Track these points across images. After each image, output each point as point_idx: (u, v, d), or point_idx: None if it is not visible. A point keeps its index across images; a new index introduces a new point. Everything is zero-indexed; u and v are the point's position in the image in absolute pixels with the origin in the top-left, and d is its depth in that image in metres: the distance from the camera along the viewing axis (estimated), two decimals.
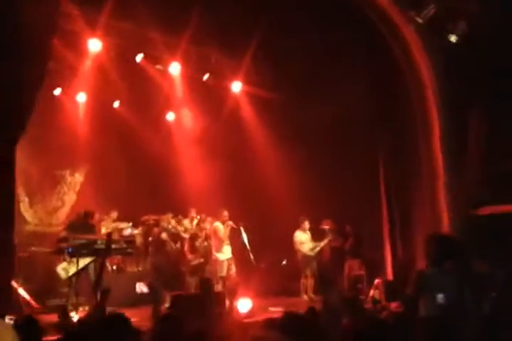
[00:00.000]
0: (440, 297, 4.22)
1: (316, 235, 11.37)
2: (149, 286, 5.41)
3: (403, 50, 9.48)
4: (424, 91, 9.50)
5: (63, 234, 8.43)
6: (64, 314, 5.36)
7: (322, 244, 11.11)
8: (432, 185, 9.46)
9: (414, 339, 4.10)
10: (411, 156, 9.94)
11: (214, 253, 10.42)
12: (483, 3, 8.80)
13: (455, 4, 8.74)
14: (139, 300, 9.84)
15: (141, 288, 9.97)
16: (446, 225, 9.02)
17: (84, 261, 7.96)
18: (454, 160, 9.34)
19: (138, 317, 7.16)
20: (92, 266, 8.10)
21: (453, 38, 8.81)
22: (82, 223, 8.72)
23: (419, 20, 8.78)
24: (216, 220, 10.58)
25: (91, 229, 8.71)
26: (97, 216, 10.70)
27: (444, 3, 8.61)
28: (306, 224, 11.11)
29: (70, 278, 8.07)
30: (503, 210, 8.77)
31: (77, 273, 7.97)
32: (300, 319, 3.82)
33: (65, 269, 8.05)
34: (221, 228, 10.39)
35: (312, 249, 11.05)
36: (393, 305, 5.95)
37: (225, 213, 10.42)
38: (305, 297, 10.78)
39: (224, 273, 10.29)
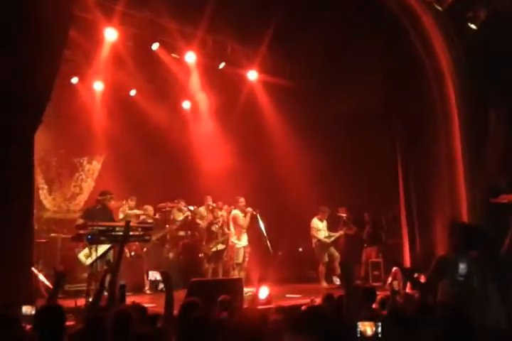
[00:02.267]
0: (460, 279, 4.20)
1: (332, 223, 11.39)
2: (162, 274, 5.45)
3: (422, 38, 9.38)
4: (444, 80, 9.41)
5: (80, 220, 8.51)
6: (89, 300, 5.44)
7: (337, 234, 11.14)
8: (450, 172, 9.41)
9: (433, 327, 4.09)
10: (430, 144, 9.88)
11: (232, 239, 10.50)
12: None
13: None
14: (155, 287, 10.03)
15: (155, 275, 10.07)
16: (464, 213, 8.97)
17: (104, 248, 8.06)
18: (474, 148, 9.26)
19: (156, 303, 7.29)
20: (111, 253, 8.20)
21: (473, 26, 8.70)
22: (98, 209, 8.80)
23: (439, 8, 8.67)
24: (233, 208, 10.63)
25: (108, 214, 8.77)
26: (113, 202, 10.83)
27: None
28: (326, 215, 11.12)
29: (91, 264, 8.16)
30: None
31: (98, 259, 8.06)
32: (320, 313, 3.82)
33: (87, 255, 8.14)
34: (240, 215, 10.44)
35: (328, 237, 11.07)
36: (412, 293, 5.93)
37: (242, 199, 10.47)
38: (324, 284, 10.81)
39: (240, 260, 10.36)
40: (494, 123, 9.03)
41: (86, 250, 8.19)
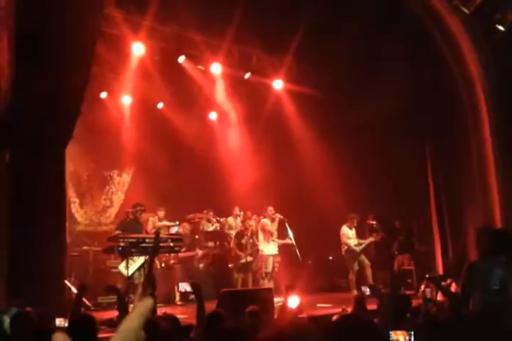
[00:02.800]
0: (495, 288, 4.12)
1: (363, 230, 11.28)
2: (192, 285, 5.44)
3: (449, 42, 9.29)
4: (473, 85, 9.30)
5: (116, 232, 8.62)
6: (122, 309, 5.50)
7: (367, 241, 11.00)
8: (482, 177, 9.26)
9: (467, 336, 4.00)
10: (460, 149, 9.75)
11: (260, 248, 10.48)
12: None
13: None
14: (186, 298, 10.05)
15: (184, 287, 10.08)
16: (498, 220, 8.80)
17: (142, 259, 8.15)
18: (505, 153, 9.10)
19: (188, 314, 7.30)
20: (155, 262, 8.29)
21: (501, 28, 8.59)
22: (129, 221, 8.90)
23: (465, 11, 8.58)
24: (262, 217, 10.64)
25: (139, 227, 8.87)
26: (144, 215, 10.93)
27: None
28: (355, 222, 11.02)
29: (131, 275, 8.23)
30: None
31: (138, 270, 8.16)
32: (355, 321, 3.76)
33: (126, 267, 8.22)
34: (268, 222, 10.45)
35: (357, 245, 10.95)
36: (444, 301, 5.82)
37: (270, 208, 10.47)
38: (355, 292, 10.67)
39: (269, 269, 10.32)
40: None
41: (124, 262, 8.27)
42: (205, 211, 11.67)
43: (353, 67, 11.28)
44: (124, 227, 8.56)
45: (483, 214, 9.06)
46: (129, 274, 8.15)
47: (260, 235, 10.57)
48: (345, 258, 11.00)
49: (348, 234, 10.95)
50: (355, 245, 10.94)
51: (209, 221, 11.62)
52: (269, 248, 10.48)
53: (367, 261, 10.88)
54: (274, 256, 10.50)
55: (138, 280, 8.49)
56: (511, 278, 4.24)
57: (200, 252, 11.14)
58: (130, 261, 8.12)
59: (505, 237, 4.50)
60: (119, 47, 10.14)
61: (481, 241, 4.51)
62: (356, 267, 10.84)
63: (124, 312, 5.14)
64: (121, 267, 8.31)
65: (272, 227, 10.44)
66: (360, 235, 11.18)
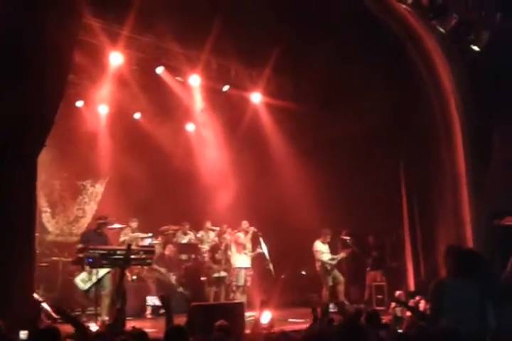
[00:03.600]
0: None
1: (336, 245, 11.29)
2: (161, 298, 5.34)
3: (425, 60, 9.43)
4: (446, 102, 9.43)
5: (79, 245, 8.51)
6: (77, 325, 5.34)
7: (339, 257, 11.01)
8: (454, 194, 9.35)
9: None
10: (434, 166, 9.86)
11: (232, 260, 10.42)
12: (507, 12, 8.73)
13: (478, 14, 8.67)
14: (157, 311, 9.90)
15: (153, 301, 9.94)
16: (469, 235, 8.89)
17: (103, 272, 7.99)
18: (477, 170, 9.22)
19: (157, 328, 7.18)
20: (107, 276, 8.12)
21: (475, 48, 8.75)
22: (94, 233, 8.80)
23: (442, 30, 8.73)
24: (237, 231, 10.61)
25: (103, 239, 8.73)
26: (116, 225, 10.79)
27: (467, 13, 8.55)
28: (328, 237, 11.02)
29: (88, 288, 8.08)
30: None
31: (96, 284, 7.99)
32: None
33: (84, 280, 8.06)
34: (242, 235, 10.42)
35: (331, 260, 10.95)
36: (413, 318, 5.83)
37: (245, 222, 10.46)
38: (331, 306, 10.61)
39: (241, 282, 10.24)
40: (498, 142, 9.01)
41: (83, 274, 8.12)
42: (182, 223, 11.57)
43: (331, 81, 11.36)
44: (87, 239, 8.47)
45: (454, 231, 9.14)
46: (86, 288, 8.01)
47: (233, 248, 10.52)
48: (319, 274, 10.98)
49: (322, 250, 10.94)
50: (329, 260, 10.93)
51: (185, 233, 11.52)
52: (240, 260, 10.43)
53: (342, 278, 10.87)
54: (246, 269, 10.44)
55: (105, 293, 8.35)
56: (474, 297, 4.25)
57: None
58: (88, 275, 7.99)
59: (471, 257, 4.52)
60: (96, 56, 10.07)
61: (448, 262, 4.53)
62: (330, 282, 10.82)
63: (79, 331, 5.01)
64: (78, 280, 8.15)
65: (245, 240, 10.41)
66: (333, 250, 11.19)
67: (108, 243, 8.77)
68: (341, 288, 10.76)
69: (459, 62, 9.05)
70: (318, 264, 10.95)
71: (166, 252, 10.94)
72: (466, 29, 8.63)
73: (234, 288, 10.25)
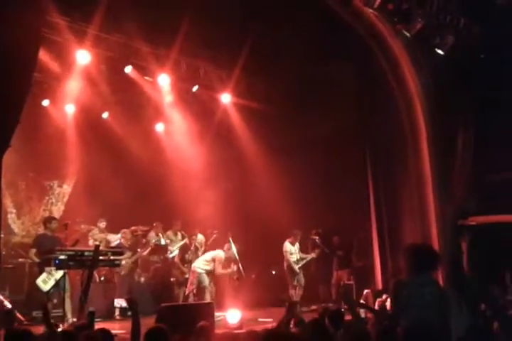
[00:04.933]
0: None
1: (306, 245, 11.39)
2: (128, 300, 5.32)
3: (390, 63, 9.58)
4: (412, 104, 9.60)
5: (32, 250, 8.42)
6: (48, 325, 5.28)
7: (309, 257, 11.15)
8: (420, 194, 9.53)
9: None
10: (400, 166, 10.02)
11: (193, 264, 10.38)
12: (471, 17, 8.94)
13: (443, 19, 8.84)
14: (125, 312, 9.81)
15: (120, 302, 9.86)
16: (434, 235, 9.06)
17: (59, 274, 7.88)
18: (442, 171, 9.41)
19: (126, 330, 7.13)
20: (65, 279, 8.02)
21: (440, 52, 8.93)
22: (45, 236, 8.66)
23: (407, 34, 8.89)
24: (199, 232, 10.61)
25: (55, 240, 8.56)
26: (83, 226, 10.69)
27: (432, 17, 8.71)
28: (298, 238, 11.12)
29: (49, 290, 7.98)
30: (491, 220, 8.84)
31: (56, 285, 7.90)
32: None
33: (45, 281, 7.95)
34: (201, 238, 10.41)
35: (298, 261, 11.05)
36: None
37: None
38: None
39: (206, 283, 10.20)
40: (463, 143, 9.22)
41: (44, 275, 8.00)
42: (154, 224, 11.49)
43: (302, 82, 11.46)
44: (40, 243, 8.37)
45: (420, 230, 9.31)
46: (46, 289, 7.91)
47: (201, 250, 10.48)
48: (285, 273, 11.09)
49: (291, 250, 11.05)
50: (297, 260, 11.03)
51: (157, 234, 11.46)
52: (200, 264, 10.36)
53: (303, 280, 11.02)
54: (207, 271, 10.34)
55: (57, 296, 8.24)
56: (434, 293, 4.34)
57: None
58: (48, 275, 7.89)
59: (428, 253, 4.62)
60: (63, 54, 9.95)
61: (407, 259, 4.62)
62: (295, 282, 10.93)
63: (49, 328, 4.95)
64: (40, 281, 8.04)
65: (200, 244, 10.39)
66: (304, 250, 11.30)
67: (60, 244, 8.60)
68: (299, 292, 10.89)
69: (425, 66, 9.22)
70: (286, 264, 11.05)
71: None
72: (431, 33, 8.81)
73: (194, 291, 10.18)
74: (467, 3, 8.97)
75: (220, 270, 10.17)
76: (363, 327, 4.12)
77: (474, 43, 8.86)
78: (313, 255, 11.18)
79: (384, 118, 10.23)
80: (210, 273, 10.25)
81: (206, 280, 10.15)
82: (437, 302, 4.33)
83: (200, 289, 10.16)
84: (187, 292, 10.26)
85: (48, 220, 8.83)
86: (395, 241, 9.82)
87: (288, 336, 3.88)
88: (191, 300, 10.06)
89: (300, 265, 11.07)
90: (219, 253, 10.25)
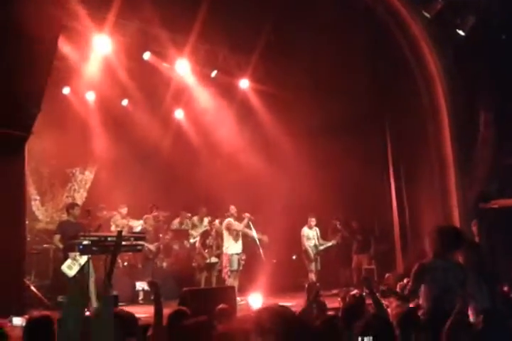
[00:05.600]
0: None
1: (328, 231, 11.40)
2: (149, 283, 5.40)
3: (410, 44, 9.47)
4: (433, 85, 9.48)
5: (56, 236, 8.53)
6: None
7: (330, 244, 11.16)
8: (441, 177, 9.46)
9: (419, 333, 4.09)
10: (421, 149, 9.94)
11: (224, 246, 10.44)
12: None
13: None
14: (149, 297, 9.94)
15: (141, 285, 9.99)
16: (456, 218, 9.00)
17: (83, 260, 7.99)
18: (464, 154, 9.31)
19: (149, 314, 7.23)
20: (89, 264, 8.12)
21: (461, 33, 8.77)
22: (68, 223, 8.74)
23: (427, 15, 8.74)
24: (227, 216, 10.57)
25: (78, 227, 8.66)
26: (105, 212, 10.80)
27: None
28: (313, 221, 11.13)
29: (74, 275, 8.11)
30: None
31: (80, 270, 8.02)
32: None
33: (70, 267, 8.08)
34: (234, 222, 10.36)
35: (317, 246, 11.06)
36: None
37: (232, 207, 10.38)
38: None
39: (235, 267, 10.28)
40: (483, 126, 9.09)
41: (69, 261, 8.13)
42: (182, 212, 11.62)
43: (318, 67, 11.35)
44: (63, 229, 8.48)
45: (441, 214, 9.25)
46: (72, 274, 8.03)
47: (225, 234, 10.47)
48: (304, 259, 11.14)
49: (308, 235, 11.08)
50: (315, 245, 11.05)
51: (181, 223, 11.59)
52: (233, 247, 10.43)
53: (318, 266, 11.02)
54: (238, 254, 10.45)
55: (81, 281, 8.35)
56: (458, 277, 4.33)
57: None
58: (73, 261, 8.01)
59: (453, 235, 4.59)
60: (82, 42, 9.98)
61: (431, 241, 4.60)
62: (313, 268, 10.96)
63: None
64: (65, 267, 8.17)
65: (239, 226, 10.36)
66: (324, 235, 11.31)
67: (83, 230, 8.72)
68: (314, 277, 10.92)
69: (445, 47, 9.08)
70: (303, 249, 11.09)
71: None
72: (451, 14, 8.65)
73: (228, 273, 10.28)
74: None
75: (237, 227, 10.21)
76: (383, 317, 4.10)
77: (495, 24, 8.67)
78: (333, 242, 11.17)
79: (404, 102, 10.13)
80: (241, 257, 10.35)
81: (235, 263, 10.22)
82: (460, 285, 4.33)
83: (231, 272, 10.24)
84: (223, 275, 10.36)
85: (70, 207, 8.94)
86: (416, 225, 9.78)
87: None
88: (227, 283, 10.14)
89: (317, 251, 11.06)
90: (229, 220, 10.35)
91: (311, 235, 11.08)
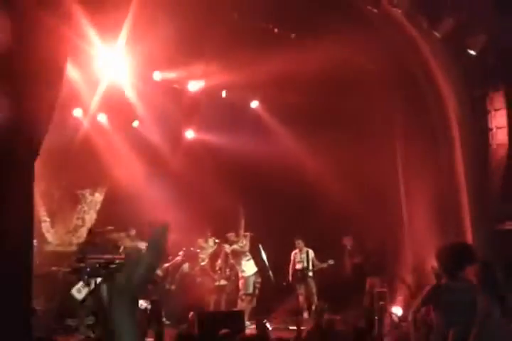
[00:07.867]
0: None
1: (337, 252, 11.23)
2: (152, 302, 5.33)
3: (420, 62, 9.39)
4: (445, 107, 9.40)
5: (78, 255, 8.44)
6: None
7: (325, 265, 11.05)
8: (454, 200, 9.31)
9: None
10: (433, 171, 9.80)
11: (241, 270, 10.32)
12: (505, 14, 8.65)
13: (474, 17, 8.59)
14: None
15: (143, 304, 9.87)
16: (469, 240, 8.83)
17: (96, 281, 7.89)
18: (477, 175, 9.17)
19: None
20: (104, 286, 8.02)
21: (472, 52, 8.69)
22: (89, 243, 8.72)
23: (437, 35, 8.68)
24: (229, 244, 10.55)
25: (99, 249, 8.63)
26: (114, 234, 10.72)
27: (463, 16, 8.47)
28: (298, 244, 11.12)
29: (83, 298, 7.99)
30: None
31: (91, 294, 7.90)
32: None
33: (79, 290, 7.97)
34: (236, 247, 10.33)
35: (305, 269, 10.99)
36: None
37: (230, 234, 10.54)
38: (305, 315, 10.49)
39: (250, 290, 10.13)
40: (496, 144, 8.97)
41: (79, 284, 8.02)
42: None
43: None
44: (84, 252, 8.44)
45: (455, 235, 9.08)
46: (80, 298, 7.92)
47: (236, 260, 10.38)
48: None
49: (296, 259, 11.00)
50: (304, 268, 10.98)
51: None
52: (249, 268, 10.32)
53: (314, 290, 10.92)
54: (254, 275, 10.31)
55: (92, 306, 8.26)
56: (470, 298, 4.21)
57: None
58: (83, 284, 7.91)
59: (461, 251, 4.49)
60: (91, 64, 10.05)
61: (441, 260, 4.49)
62: (301, 290, 10.82)
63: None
64: (74, 290, 8.06)
65: (241, 247, 10.28)
66: (335, 254, 11.09)
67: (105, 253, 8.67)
68: (312, 299, 10.79)
69: (456, 67, 9.00)
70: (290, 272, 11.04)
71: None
72: (461, 33, 8.58)
73: (243, 297, 10.13)
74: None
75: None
76: None
77: (507, 43, 8.58)
78: (330, 262, 11.04)
79: (417, 120, 10.06)
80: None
81: (251, 287, 10.08)
82: (473, 307, 4.21)
83: (246, 296, 10.10)
84: (239, 298, 10.25)
85: (89, 230, 8.97)
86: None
87: None
88: (239, 306, 10.00)
89: (306, 273, 10.94)
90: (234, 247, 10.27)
91: (298, 258, 10.98)
